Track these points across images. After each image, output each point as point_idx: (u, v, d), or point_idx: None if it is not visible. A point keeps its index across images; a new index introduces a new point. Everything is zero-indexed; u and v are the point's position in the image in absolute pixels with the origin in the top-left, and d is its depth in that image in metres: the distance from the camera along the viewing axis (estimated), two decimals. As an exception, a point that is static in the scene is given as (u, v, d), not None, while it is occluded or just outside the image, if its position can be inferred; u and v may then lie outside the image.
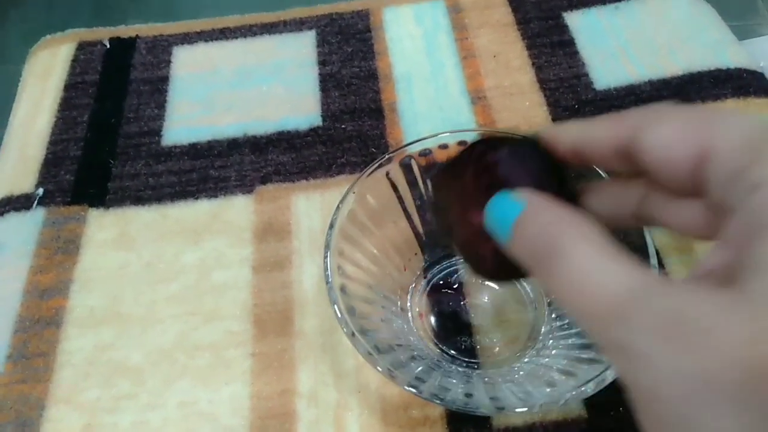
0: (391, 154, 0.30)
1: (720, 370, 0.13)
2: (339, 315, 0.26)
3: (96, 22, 0.50)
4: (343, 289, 0.28)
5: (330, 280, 0.27)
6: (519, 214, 0.19)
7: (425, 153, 0.31)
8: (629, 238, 0.27)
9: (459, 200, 0.23)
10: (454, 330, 0.32)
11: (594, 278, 0.16)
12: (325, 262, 0.27)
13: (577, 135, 0.20)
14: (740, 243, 0.15)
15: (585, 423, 0.29)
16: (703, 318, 0.14)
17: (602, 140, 0.19)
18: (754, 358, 0.13)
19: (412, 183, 0.31)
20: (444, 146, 0.30)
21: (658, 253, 0.34)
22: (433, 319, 0.33)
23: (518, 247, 0.19)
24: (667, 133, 0.17)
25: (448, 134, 0.30)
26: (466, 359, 0.31)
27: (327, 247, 0.28)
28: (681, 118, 0.17)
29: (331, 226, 0.28)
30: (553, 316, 0.31)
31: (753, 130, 0.16)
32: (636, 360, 0.14)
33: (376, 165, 0.30)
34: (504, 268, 0.21)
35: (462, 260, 0.23)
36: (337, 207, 0.29)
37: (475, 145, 0.22)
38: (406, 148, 0.31)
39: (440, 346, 0.32)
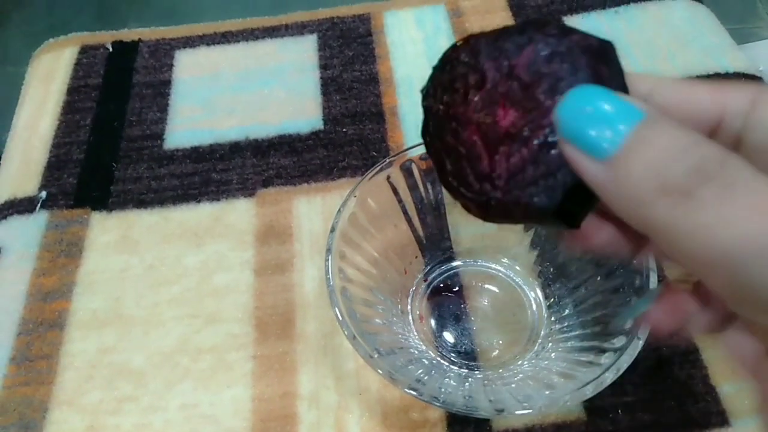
0: (392, 158, 0.30)
1: None
2: (340, 318, 0.27)
3: (97, 24, 0.51)
4: (344, 292, 0.28)
5: (331, 283, 0.27)
6: (641, 123, 0.14)
7: (426, 157, 0.31)
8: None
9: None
10: (454, 333, 0.32)
11: None
12: (327, 265, 0.28)
13: (673, 89, 0.16)
14: None
15: (584, 425, 0.29)
16: None
17: (703, 104, 0.15)
18: None
19: (412, 187, 0.32)
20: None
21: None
22: (433, 322, 0.33)
23: (638, 168, 0.13)
24: None
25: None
26: (466, 362, 0.31)
27: (328, 250, 0.28)
28: None
29: (333, 230, 0.29)
30: (553, 319, 0.32)
31: None
32: None
33: (377, 169, 0.30)
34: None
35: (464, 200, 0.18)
36: (339, 210, 0.29)
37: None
38: (407, 152, 0.31)
39: (440, 348, 0.32)
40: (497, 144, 0.17)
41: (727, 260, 0.12)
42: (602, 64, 0.16)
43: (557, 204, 0.16)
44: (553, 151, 0.16)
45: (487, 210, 0.17)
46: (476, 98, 0.18)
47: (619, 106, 0.14)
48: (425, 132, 0.19)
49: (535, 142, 0.16)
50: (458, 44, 0.18)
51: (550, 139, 0.16)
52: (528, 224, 0.17)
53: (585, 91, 0.15)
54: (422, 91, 0.19)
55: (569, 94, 0.15)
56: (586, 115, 0.14)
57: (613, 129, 0.14)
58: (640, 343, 0.24)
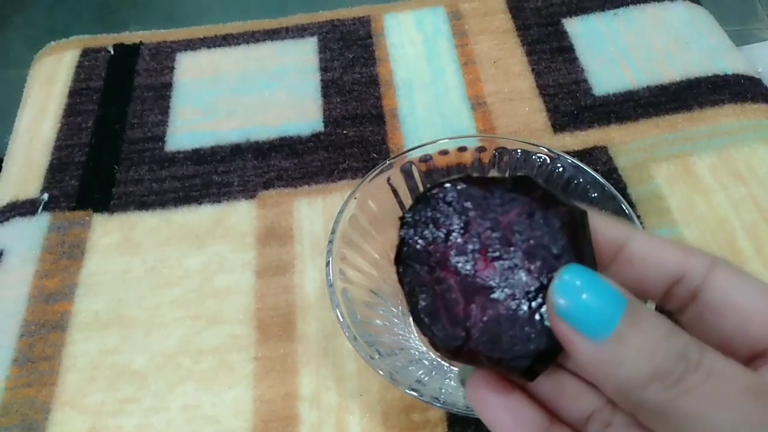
0: (392, 160, 0.31)
1: None
2: (341, 319, 0.27)
3: (98, 27, 0.51)
4: (344, 293, 0.28)
5: (332, 284, 0.27)
6: (628, 308, 0.15)
7: (426, 159, 0.31)
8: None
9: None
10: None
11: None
12: (327, 267, 0.28)
13: (647, 243, 0.17)
14: None
15: (584, 426, 0.30)
16: None
17: (672, 261, 0.17)
18: None
19: (413, 188, 0.32)
20: (444, 152, 0.31)
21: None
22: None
23: (635, 352, 0.14)
24: (751, 290, 0.16)
25: (447, 140, 0.31)
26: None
27: (329, 252, 0.28)
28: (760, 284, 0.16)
29: (333, 231, 0.29)
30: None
31: None
32: None
33: (378, 171, 0.30)
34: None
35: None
36: (339, 212, 0.29)
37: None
38: (407, 153, 0.31)
39: (441, 350, 0.32)
40: (474, 293, 0.18)
41: None
42: (582, 239, 0.17)
43: (528, 366, 0.17)
44: (529, 317, 0.17)
45: (455, 354, 0.18)
46: (458, 241, 0.18)
47: (608, 291, 0.15)
48: (399, 259, 0.19)
49: (512, 304, 0.17)
50: (447, 184, 0.19)
51: (526, 305, 0.17)
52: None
53: (578, 273, 0.15)
54: (402, 218, 0.19)
55: (563, 275, 0.16)
56: (581, 299, 0.15)
57: (606, 314, 0.15)
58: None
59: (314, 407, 0.31)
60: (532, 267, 0.17)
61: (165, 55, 0.47)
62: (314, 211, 0.38)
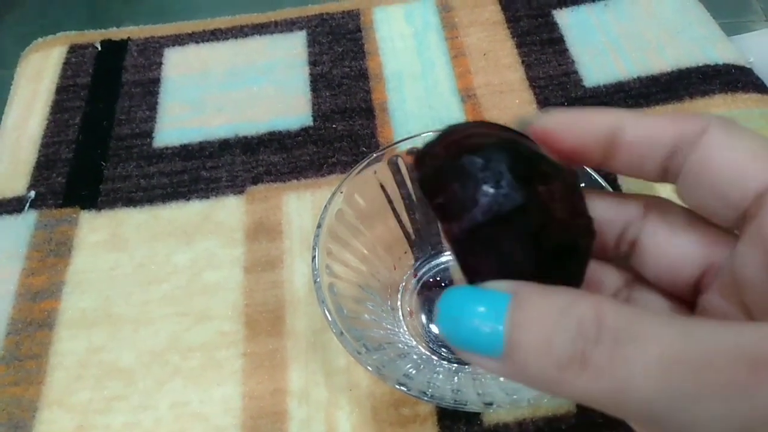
0: (378, 154, 0.30)
1: None
2: (327, 315, 0.26)
3: (90, 25, 0.50)
4: (331, 288, 0.28)
5: (318, 279, 0.27)
6: (509, 310, 0.13)
7: (413, 152, 0.31)
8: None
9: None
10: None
11: (684, 351, 0.12)
12: (313, 263, 0.28)
13: (629, 133, 0.16)
14: None
15: (574, 418, 0.29)
16: None
17: (662, 137, 0.16)
18: None
19: (400, 182, 0.31)
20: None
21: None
22: (423, 317, 0.33)
23: (531, 355, 0.13)
24: (746, 146, 0.14)
25: (433, 133, 0.31)
26: (457, 357, 0.31)
27: (314, 247, 0.28)
28: (757, 138, 0.15)
29: (319, 226, 0.28)
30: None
31: None
32: None
33: (364, 164, 0.30)
34: None
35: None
36: (325, 207, 0.29)
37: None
38: (394, 147, 0.31)
39: (430, 343, 0.32)
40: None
41: (641, 420, 0.13)
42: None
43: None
44: None
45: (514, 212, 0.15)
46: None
47: (482, 298, 0.14)
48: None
49: None
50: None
51: None
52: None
53: (451, 301, 0.14)
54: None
55: (438, 309, 0.14)
56: (462, 326, 0.14)
57: (490, 328, 0.13)
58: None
59: (303, 403, 0.31)
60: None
61: (153, 50, 0.47)
62: (303, 206, 0.38)
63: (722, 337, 0.12)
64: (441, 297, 0.14)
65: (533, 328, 0.13)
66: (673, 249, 0.16)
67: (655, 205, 0.17)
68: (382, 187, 0.31)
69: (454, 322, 0.14)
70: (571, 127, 0.17)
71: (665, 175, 0.16)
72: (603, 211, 0.17)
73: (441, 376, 0.29)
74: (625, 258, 0.18)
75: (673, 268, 0.16)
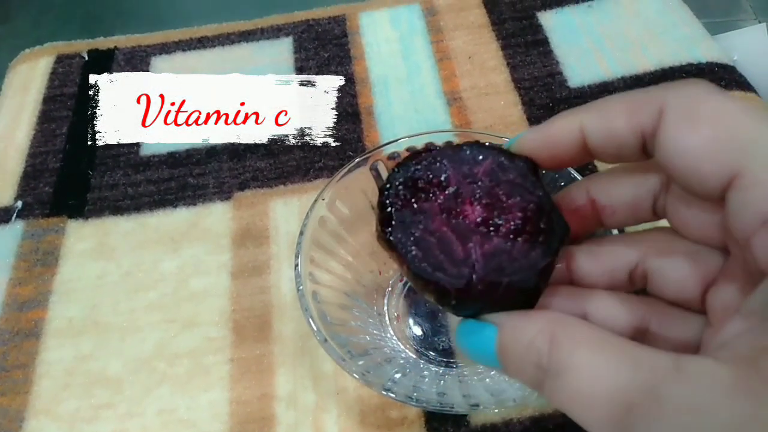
0: (360, 159, 0.30)
1: None
2: (311, 322, 0.26)
3: (84, 36, 0.50)
4: (315, 295, 0.28)
5: (301, 287, 0.27)
6: (496, 340, 0.17)
7: (394, 156, 0.31)
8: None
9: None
10: (432, 331, 0.32)
11: (598, 385, 0.14)
12: (297, 270, 0.28)
13: (592, 131, 0.17)
14: (765, 317, 0.13)
15: (561, 417, 0.29)
16: (734, 418, 0.12)
17: (623, 134, 0.16)
18: None
19: (381, 187, 0.31)
20: (411, 149, 0.31)
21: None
22: (410, 321, 0.33)
23: (514, 374, 0.17)
24: (691, 143, 0.15)
25: (407, 138, 0.31)
26: (444, 359, 0.31)
27: (297, 255, 0.28)
28: (710, 120, 0.14)
29: (301, 234, 0.28)
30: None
31: None
32: None
33: (345, 170, 0.30)
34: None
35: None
36: (307, 214, 0.29)
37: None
38: (376, 151, 0.31)
39: (418, 348, 0.32)
40: (468, 234, 0.19)
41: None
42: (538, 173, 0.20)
43: (536, 282, 0.18)
44: (523, 242, 0.19)
45: (468, 289, 0.18)
46: (442, 196, 0.20)
47: (480, 330, 0.17)
48: (385, 227, 0.20)
49: (505, 234, 0.19)
50: (419, 152, 0.21)
51: (518, 233, 0.19)
52: (491, 307, 0.19)
53: (461, 329, 0.18)
54: (383, 189, 0.20)
55: (456, 335, 0.19)
56: (470, 348, 0.18)
57: (488, 352, 0.17)
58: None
59: (291, 407, 0.31)
60: (514, 201, 0.19)
61: (140, 59, 0.47)
62: (290, 211, 0.38)
63: (623, 373, 0.14)
64: (457, 328, 0.19)
65: (510, 356, 0.16)
66: (692, 164, 0.16)
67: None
68: (364, 192, 0.31)
69: (465, 347, 0.18)
70: (542, 146, 0.19)
71: (648, 156, 0.17)
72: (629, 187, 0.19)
73: (427, 379, 0.29)
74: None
75: (694, 180, 0.16)
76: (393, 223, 0.19)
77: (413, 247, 0.19)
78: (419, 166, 0.20)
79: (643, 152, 0.17)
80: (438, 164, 0.20)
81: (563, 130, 0.18)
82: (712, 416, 0.12)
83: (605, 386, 0.14)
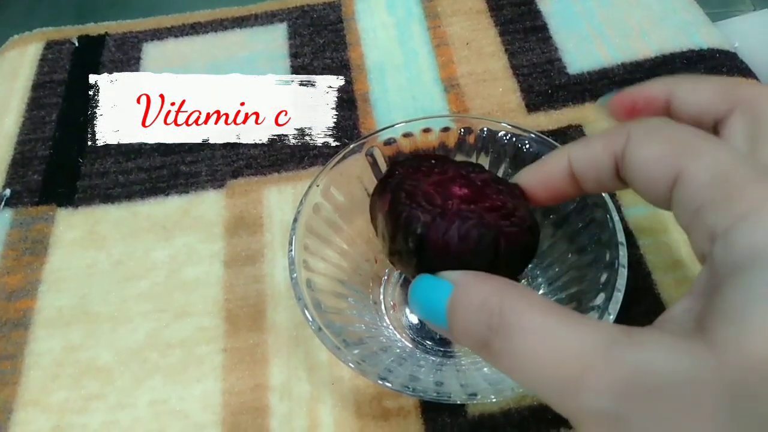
0: (355, 145, 0.30)
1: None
2: (305, 311, 0.26)
3: (77, 25, 0.49)
4: (309, 283, 0.27)
5: (295, 275, 0.27)
6: (449, 296, 0.17)
7: (390, 142, 0.30)
8: (594, 215, 0.27)
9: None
10: (428, 319, 0.32)
11: (550, 345, 0.15)
12: (290, 257, 0.27)
13: (578, 160, 0.20)
14: (708, 291, 0.15)
15: (560, 408, 0.29)
16: (673, 373, 0.13)
17: (602, 158, 0.19)
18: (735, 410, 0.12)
19: (377, 174, 0.31)
20: (408, 134, 0.30)
21: (632, 235, 0.34)
22: (407, 310, 0.32)
23: (460, 335, 0.17)
24: (649, 153, 0.17)
25: (404, 123, 0.30)
26: (441, 348, 0.31)
27: (291, 242, 0.27)
28: (668, 136, 0.17)
29: (295, 221, 0.28)
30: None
31: (724, 164, 0.15)
32: (604, 425, 0.14)
33: (340, 157, 0.29)
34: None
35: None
36: (301, 201, 0.28)
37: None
38: (371, 137, 0.30)
39: (415, 337, 0.31)
40: (451, 197, 0.22)
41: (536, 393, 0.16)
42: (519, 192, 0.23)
43: (494, 247, 0.20)
44: (495, 213, 0.21)
45: (434, 225, 0.20)
46: (437, 177, 0.23)
47: (434, 289, 0.18)
48: (382, 190, 0.23)
49: (482, 205, 0.21)
50: (433, 152, 0.26)
51: (491, 205, 0.21)
52: (451, 259, 0.20)
53: (417, 283, 0.19)
54: (392, 162, 0.25)
55: (410, 289, 0.19)
56: (420, 303, 0.19)
57: (436, 309, 0.18)
58: (611, 319, 0.24)
59: (285, 398, 0.30)
60: (497, 197, 0.22)
61: (131, 45, 0.46)
62: (284, 199, 0.37)
63: (573, 334, 0.15)
64: (412, 282, 0.19)
65: (460, 314, 0.17)
66: (647, 180, 0.18)
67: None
68: (359, 178, 0.30)
69: (417, 302, 0.19)
70: (538, 178, 0.21)
71: (622, 181, 0.19)
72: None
73: (424, 368, 0.28)
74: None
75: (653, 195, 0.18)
76: (389, 179, 0.23)
77: (402, 193, 0.22)
78: (427, 160, 0.24)
79: (618, 177, 0.19)
80: (444, 163, 0.24)
81: (554, 161, 0.20)
82: (659, 377, 0.13)
83: (558, 346, 0.14)
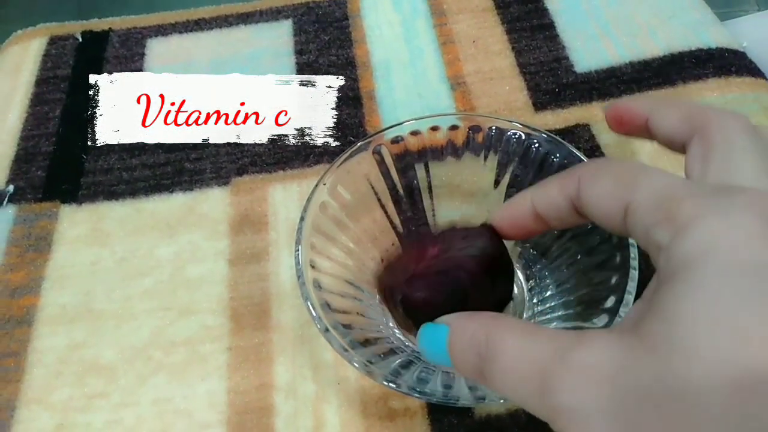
0: (362, 143, 0.29)
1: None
2: (312, 311, 0.26)
3: (79, 20, 0.49)
4: (316, 283, 0.27)
5: (302, 275, 0.26)
6: (447, 338, 0.20)
7: (397, 140, 0.30)
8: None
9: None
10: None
11: (520, 359, 0.17)
12: (297, 257, 0.27)
13: (538, 203, 0.22)
14: (650, 297, 0.17)
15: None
16: (608, 363, 0.15)
17: (558, 201, 0.21)
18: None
19: (385, 172, 0.30)
20: (416, 132, 0.30)
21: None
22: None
23: (462, 369, 0.19)
24: (599, 191, 0.19)
25: (414, 121, 0.30)
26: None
27: (297, 241, 0.27)
28: (612, 173, 0.19)
29: (302, 219, 0.28)
30: (535, 300, 0.31)
31: (666, 188, 0.17)
32: (569, 418, 0.15)
33: (347, 155, 0.29)
34: None
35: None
36: (308, 200, 0.28)
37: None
38: (378, 135, 0.30)
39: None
40: (421, 259, 0.25)
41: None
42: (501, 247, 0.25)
43: (451, 280, 0.23)
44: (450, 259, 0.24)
45: (410, 282, 0.24)
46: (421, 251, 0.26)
47: (435, 334, 0.20)
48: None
49: (443, 256, 0.24)
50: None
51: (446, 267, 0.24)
52: (434, 308, 0.23)
53: (422, 331, 0.21)
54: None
55: (420, 336, 0.21)
56: (428, 349, 0.21)
57: (441, 351, 0.20)
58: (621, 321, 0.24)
59: (290, 397, 0.30)
60: (464, 240, 0.25)
61: (135, 41, 0.46)
62: (290, 197, 0.37)
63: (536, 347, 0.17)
64: (418, 332, 0.21)
65: (457, 350, 0.19)
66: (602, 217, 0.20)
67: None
68: (366, 177, 0.30)
69: (424, 348, 0.21)
70: (507, 219, 0.23)
71: (582, 216, 0.21)
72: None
73: (432, 370, 0.28)
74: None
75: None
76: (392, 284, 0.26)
77: (384, 272, 0.27)
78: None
79: (578, 214, 0.21)
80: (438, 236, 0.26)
81: (520, 203, 0.22)
82: (599, 370, 0.15)
83: (529, 359, 0.17)
